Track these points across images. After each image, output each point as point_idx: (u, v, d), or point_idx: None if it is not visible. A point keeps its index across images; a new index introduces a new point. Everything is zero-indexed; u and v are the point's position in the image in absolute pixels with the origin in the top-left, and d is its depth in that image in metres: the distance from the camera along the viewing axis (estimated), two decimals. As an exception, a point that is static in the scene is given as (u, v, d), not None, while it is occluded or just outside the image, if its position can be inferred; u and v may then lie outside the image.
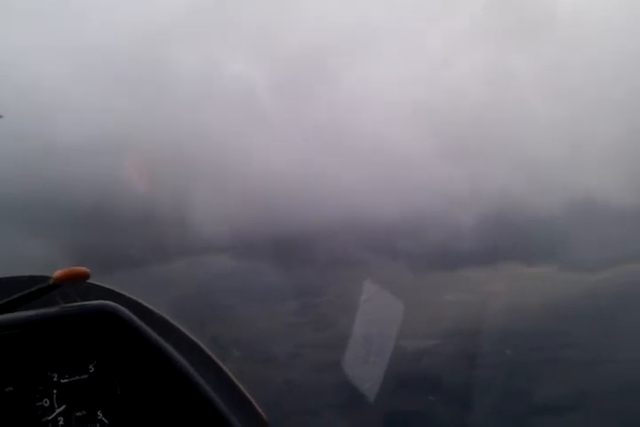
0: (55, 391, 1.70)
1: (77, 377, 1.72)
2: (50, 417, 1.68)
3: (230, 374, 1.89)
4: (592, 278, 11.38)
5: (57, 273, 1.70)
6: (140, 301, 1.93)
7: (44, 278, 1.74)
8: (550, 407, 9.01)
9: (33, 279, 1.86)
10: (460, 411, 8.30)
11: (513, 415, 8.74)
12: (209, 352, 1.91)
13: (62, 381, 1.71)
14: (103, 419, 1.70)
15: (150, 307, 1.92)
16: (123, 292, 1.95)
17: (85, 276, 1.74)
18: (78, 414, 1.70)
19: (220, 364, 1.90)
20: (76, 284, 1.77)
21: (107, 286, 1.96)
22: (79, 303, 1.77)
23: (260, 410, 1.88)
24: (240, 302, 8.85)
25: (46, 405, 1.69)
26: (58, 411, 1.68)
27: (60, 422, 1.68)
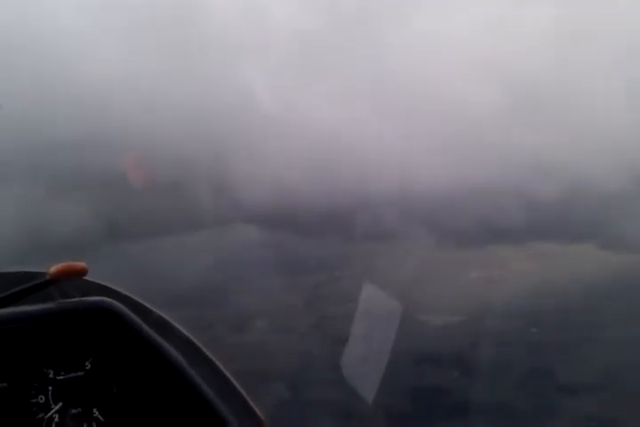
0: (51, 388, 1.69)
1: (73, 374, 1.70)
2: (46, 415, 1.67)
3: (227, 372, 1.86)
4: (624, 258, 11.13)
5: (53, 268, 1.68)
6: (136, 298, 1.90)
7: (41, 274, 1.71)
8: (575, 387, 8.96)
9: (29, 274, 1.84)
10: (485, 388, 8.29)
11: (537, 394, 8.72)
12: (205, 351, 1.89)
13: (58, 377, 1.70)
14: (99, 416, 1.69)
15: (147, 305, 1.90)
16: (119, 289, 1.92)
17: (83, 272, 1.71)
18: (74, 411, 1.69)
19: (219, 364, 1.87)
20: (73, 280, 1.74)
21: (104, 284, 1.93)
22: (76, 299, 1.75)
23: (256, 408, 1.86)
24: (265, 273, 8.88)
25: (41, 402, 1.68)
26: (55, 408, 1.67)
27: (56, 420, 1.68)
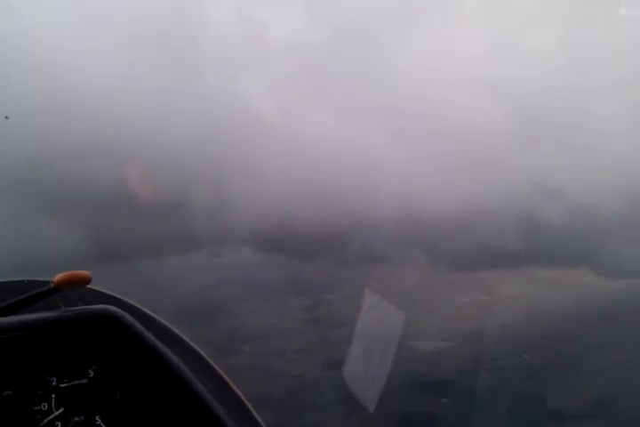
0: (54, 396, 1.68)
1: (76, 382, 1.70)
2: (46, 420, 1.66)
3: (231, 383, 1.87)
4: (618, 284, 11.18)
5: (58, 277, 1.69)
6: (141, 307, 1.91)
7: (45, 282, 1.72)
8: (566, 414, 8.91)
9: (33, 283, 1.84)
10: (474, 414, 8.22)
11: (527, 420, 8.66)
12: (210, 361, 1.89)
13: (61, 385, 1.69)
14: (101, 424, 1.68)
15: (151, 314, 1.91)
16: (124, 298, 1.93)
17: (87, 280, 1.72)
18: (77, 419, 1.68)
19: (222, 373, 1.88)
20: (77, 288, 1.75)
21: (108, 292, 1.94)
22: (80, 307, 1.76)
23: (260, 420, 1.86)
24: (254, 296, 8.85)
25: (44, 409, 1.67)
26: (55, 414, 1.67)
27: None
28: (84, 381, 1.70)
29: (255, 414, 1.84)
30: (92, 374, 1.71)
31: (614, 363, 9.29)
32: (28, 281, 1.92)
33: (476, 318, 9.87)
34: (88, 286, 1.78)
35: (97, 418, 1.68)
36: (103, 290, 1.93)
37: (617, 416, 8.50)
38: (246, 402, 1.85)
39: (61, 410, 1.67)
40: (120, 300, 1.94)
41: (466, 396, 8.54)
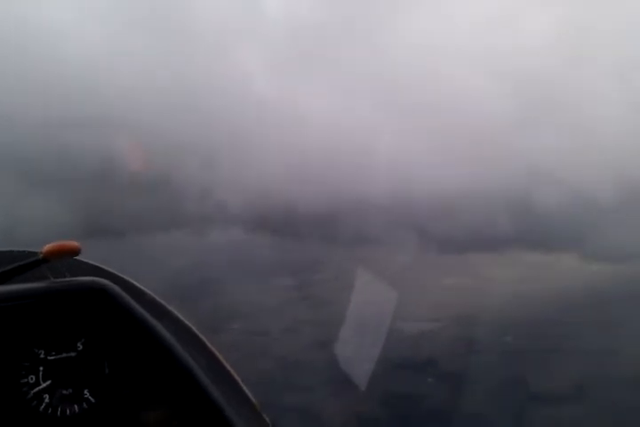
0: (41, 368, 1.66)
1: (65, 355, 1.67)
2: (33, 391, 1.64)
3: (222, 357, 1.85)
4: (606, 268, 11.26)
5: (46, 247, 1.65)
6: (131, 280, 1.88)
7: (33, 253, 1.68)
8: (547, 396, 9.03)
9: (22, 254, 1.81)
10: (458, 395, 8.32)
11: (509, 402, 8.77)
12: (201, 335, 1.87)
13: (49, 358, 1.67)
14: (90, 398, 1.67)
15: (141, 286, 1.88)
16: (113, 270, 1.90)
17: (76, 251, 1.68)
18: (64, 392, 1.66)
19: (212, 348, 1.86)
20: (65, 259, 1.71)
21: (97, 264, 1.91)
22: (68, 279, 1.72)
23: (250, 394, 1.85)
24: (243, 275, 8.84)
25: (32, 382, 1.65)
26: (42, 386, 1.64)
27: (46, 400, 1.65)
28: (72, 354, 1.68)
29: (245, 389, 1.83)
30: (80, 347, 1.68)
31: (597, 347, 9.40)
32: (17, 252, 1.88)
33: (462, 300, 9.94)
34: (77, 257, 1.75)
35: (85, 391, 1.67)
36: (93, 262, 1.90)
37: (599, 399, 8.63)
38: (237, 377, 1.84)
39: (49, 382, 1.65)
40: (110, 272, 1.91)
41: (451, 376, 8.63)
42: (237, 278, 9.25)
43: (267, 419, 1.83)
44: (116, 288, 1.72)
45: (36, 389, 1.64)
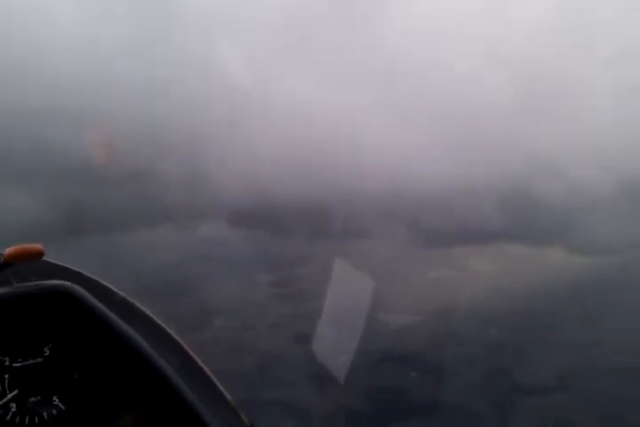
0: (7, 376, 1.60)
1: (31, 361, 1.62)
2: (1, 403, 1.58)
3: (195, 356, 1.80)
4: (591, 261, 11.31)
5: (8, 251, 1.58)
6: (99, 280, 1.82)
7: None
8: (533, 387, 9.09)
9: None
10: (442, 387, 8.35)
11: (495, 394, 8.82)
12: (174, 335, 1.82)
13: (15, 365, 1.61)
14: (59, 404, 1.62)
15: (111, 287, 1.82)
16: (81, 271, 1.84)
17: (39, 254, 1.61)
18: (33, 399, 1.61)
19: (186, 347, 1.81)
20: (30, 262, 1.65)
21: (65, 265, 1.84)
22: (32, 283, 1.66)
23: (226, 393, 1.80)
24: (226, 270, 8.79)
25: None
26: (9, 396, 1.59)
27: (13, 409, 1.59)
28: (39, 360, 1.63)
29: (221, 387, 1.79)
30: (47, 352, 1.63)
31: (581, 339, 9.47)
32: None
33: (447, 293, 9.95)
34: (45, 258, 1.68)
35: (54, 398, 1.62)
36: (60, 263, 1.83)
37: (582, 391, 8.70)
38: (211, 376, 1.80)
39: (15, 392, 1.59)
40: (78, 273, 1.84)
41: (435, 370, 8.65)
42: (222, 274, 9.20)
43: (243, 416, 1.79)
44: (82, 291, 1.66)
45: (3, 400, 1.58)
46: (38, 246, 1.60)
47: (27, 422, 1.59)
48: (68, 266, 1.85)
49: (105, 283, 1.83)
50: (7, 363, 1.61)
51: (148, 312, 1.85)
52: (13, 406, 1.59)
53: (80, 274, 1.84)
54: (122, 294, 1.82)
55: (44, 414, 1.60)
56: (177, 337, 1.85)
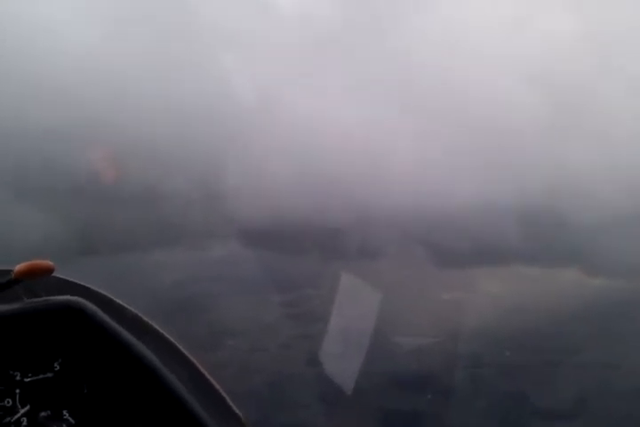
0: (18, 391, 1.62)
1: (42, 376, 1.64)
2: (12, 418, 1.59)
3: (206, 372, 1.80)
4: (607, 284, 11.17)
5: (19, 267, 1.60)
6: (110, 296, 1.84)
7: (5, 272, 1.63)
8: (548, 412, 8.94)
9: None
10: (457, 411, 8.24)
11: (510, 418, 8.68)
12: (183, 351, 1.83)
13: (25, 380, 1.63)
14: (69, 419, 1.63)
15: (121, 303, 1.83)
16: (92, 286, 1.85)
17: (49, 270, 1.63)
18: (43, 414, 1.62)
19: (196, 362, 1.82)
20: (39, 278, 1.66)
21: (75, 281, 1.86)
22: (43, 298, 1.68)
23: (236, 410, 1.80)
24: (240, 290, 8.79)
25: (8, 405, 1.61)
26: (22, 412, 1.60)
27: (24, 423, 1.61)
28: (49, 374, 1.65)
29: (232, 404, 1.78)
30: (57, 367, 1.65)
31: (597, 361, 9.33)
32: None
33: (461, 314, 9.85)
34: (55, 275, 1.70)
35: (64, 412, 1.63)
36: (71, 279, 1.85)
37: (599, 415, 8.54)
38: (222, 392, 1.80)
39: (28, 407, 1.61)
40: (89, 289, 1.86)
41: (449, 392, 8.54)
42: (235, 294, 9.19)
43: None
44: (92, 306, 1.68)
45: (16, 416, 1.60)
46: (48, 263, 1.62)
47: None
48: (79, 282, 1.86)
49: (115, 299, 1.85)
50: (18, 378, 1.63)
51: (159, 329, 1.86)
52: (24, 420, 1.60)
53: (90, 290, 1.86)
54: (132, 309, 1.84)
55: None
56: (187, 353, 1.85)
